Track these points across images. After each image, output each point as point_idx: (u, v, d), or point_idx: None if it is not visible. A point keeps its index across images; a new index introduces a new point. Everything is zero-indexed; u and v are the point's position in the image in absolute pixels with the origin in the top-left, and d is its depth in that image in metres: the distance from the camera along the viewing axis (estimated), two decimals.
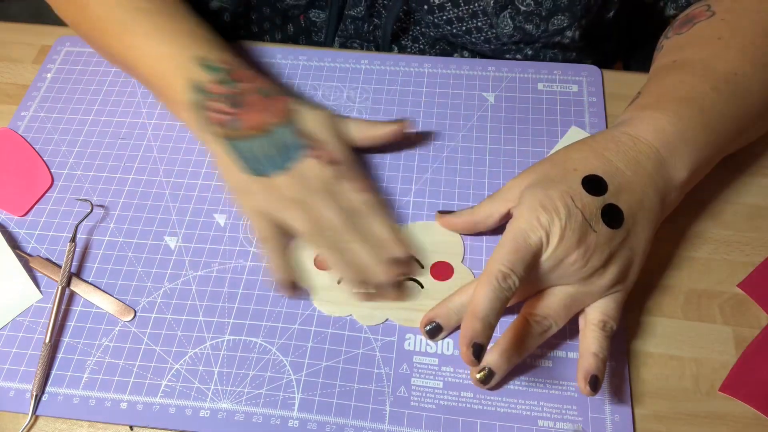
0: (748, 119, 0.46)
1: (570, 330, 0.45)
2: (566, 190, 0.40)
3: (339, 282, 0.47)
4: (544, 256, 0.39)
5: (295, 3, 0.60)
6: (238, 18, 0.61)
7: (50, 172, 0.54)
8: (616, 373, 0.43)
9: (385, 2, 0.58)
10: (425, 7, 0.55)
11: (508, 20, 0.53)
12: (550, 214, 0.39)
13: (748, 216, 0.50)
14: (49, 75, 0.60)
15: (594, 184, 0.41)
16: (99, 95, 0.58)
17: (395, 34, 0.61)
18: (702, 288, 0.47)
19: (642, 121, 0.44)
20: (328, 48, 0.61)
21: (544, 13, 0.53)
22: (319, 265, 0.48)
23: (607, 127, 0.54)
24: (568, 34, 0.54)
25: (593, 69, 0.57)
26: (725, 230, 0.49)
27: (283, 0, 0.59)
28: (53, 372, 0.45)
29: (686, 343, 0.45)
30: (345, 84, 0.58)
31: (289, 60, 0.60)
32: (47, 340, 0.45)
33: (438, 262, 0.47)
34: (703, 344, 0.45)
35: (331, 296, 0.47)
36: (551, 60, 0.58)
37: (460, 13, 0.55)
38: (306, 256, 0.48)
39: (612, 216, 0.40)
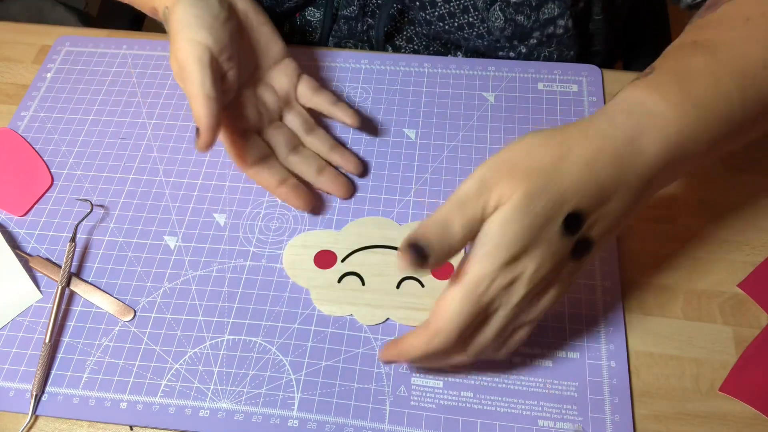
0: (763, 117, 0.40)
1: (570, 330, 0.45)
2: (545, 239, 0.35)
3: (339, 281, 0.47)
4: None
5: (294, 5, 0.60)
6: None
7: (50, 172, 0.54)
8: (616, 373, 0.43)
9: (378, 2, 0.58)
10: (417, 3, 0.56)
11: (499, 13, 0.53)
12: (526, 255, 0.36)
13: (748, 216, 0.50)
14: (49, 75, 0.60)
15: (573, 219, 0.36)
16: (99, 95, 0.58)
17: (389, 35, 0.61)
18: (702, 288, 0.47)
19: (649, 123, 0.37)
20: (328, 48, 0.61)
21: (534, 3, 0.53)
22: (319, 264, 0.48)
23: None
24: (561, 23, 0.54)
25: (593, 69, 0.57)
26: (725, 230, 0.49)
27: (282, 5, 0.59)
28: (53, 372, 0.45)
29: (686, 343, 0.45)
30: (345, 84, 0.58)
31: None
32: (47, 340, 0.45)
33: None
34: (703, 344, 0.45)
35: (331, 295, 0.47)
36: (546, 59, 0.58)
37: (451, 8, 0.55)
38: (306, 255, 0.48)
39: (577, 248, 0.37)
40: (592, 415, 0.42)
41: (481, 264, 0.35)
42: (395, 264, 0.47)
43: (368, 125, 0.55)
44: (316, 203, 0.51)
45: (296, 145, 0.52)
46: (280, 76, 0.53)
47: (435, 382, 0.43)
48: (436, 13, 0.55)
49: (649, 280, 0.47)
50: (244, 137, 0.49)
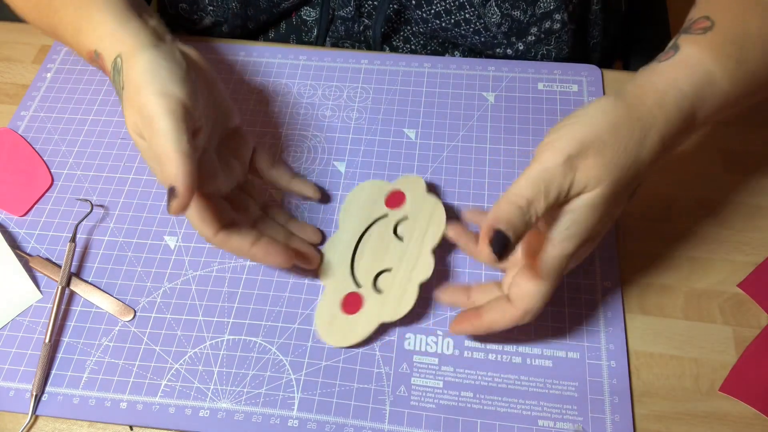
0: None
1: (570, 330, 0.45)
2: (618, 209, 0.39)
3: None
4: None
5: (290, 5, 0.60)
6: (235, 28, 0.61)
7: (50, 172, 0.54)
8: (616, 373, 0.43)
9: (374, 3, 0.58)
10: (413, 1, 0.56)
11: (495, 8, 0.53)
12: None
13: (748, 216, 0.50)
14: (49, 75, 0.60)
15: (638, 186, 0.40)
16: (99, 95, 0.58)
17: (386, 35, 0.61)
18: (702, 288, 0.47)
19: (707, 92, 0.38)
20: (328, 48, 0.61)
21: None
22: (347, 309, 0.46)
23: None
24: (557, 17, 0.54)
25: (593, 69, 0.57)
26: (725, 230, 0.49)
27: (278, 5, 0.59)
28: (53, 372, 0.45)
29: (686, 343, 0.45)
30: (345, 84, 0.58)
31: (289, 60, 0.60)
32: (47, 340, 0.45)
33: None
34: (703, 344, 0.45)
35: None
36: (544, 57, 0.58)
37: (447, 5, 0.55)
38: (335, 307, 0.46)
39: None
40: (592, 415, 0.42)
41: (565, 245, 0.37)
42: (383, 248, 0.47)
43: (328, 185, 0.55)
44: (296, 258, 0.45)
45: (264, 207, 0.49)
46: (238, 142, 0.48)
47: (435, 382, 0.43)
48: (433, 11, 0.55)
49: (649, 280, 0.47)
50: (211, 200, 0.43)
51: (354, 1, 0.57)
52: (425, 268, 0.45)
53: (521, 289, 0.39)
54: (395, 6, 0.58)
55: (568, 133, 0.36)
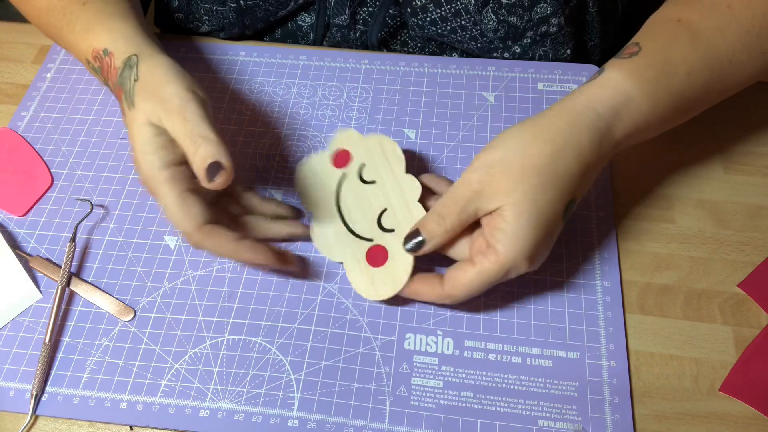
0: (714, 101, 0.47)
1: (570, 330, 0.45)
2: (554, 228, 0.42)
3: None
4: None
5: (287, 12, 0.60)
6: (232, 35, 0.61)
7: (50, 172, 0.54)
8: (616, 373, 0.43)
9: (370, 9, 0.58)
10: (408, 10, 0.56)
11: (491, 15, 0.53)
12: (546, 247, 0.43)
13: (748, 216, 0.50)
14: (49, 75, 0.60)
15: (570, 204, 0.42)
16: (99, 95, 0.58)
17: (383, 40, 0.60)
18: (702, 288, 0.47)
19: (626, 113, 0.42)
20: (328, 48, 0.61)
21: (526, 3, 0.53)
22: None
23: None
24: (554, 21, 0.54)
25: (593, 69, 0.57)
26: (725, 230, 0.49)
27: (275, 14, 0.59)
28: (53, 372, 0.45)
29: (686, 343, 0.45)
30: (345, 84, 0.58)
31: (289, 60, 0.60)
32: (47, 340, 0.45)
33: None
34: (703, 344, 0.45)
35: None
36: (541, 58, 0.58)
37: (443, 12, 0.55)
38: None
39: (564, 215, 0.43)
40: (592, 415, 0.42)
41: (501, 256, 0.40)
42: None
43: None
44: (277, 259, 0.44)
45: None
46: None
47: (435, 382, 0.43)
48: (428, 18, 0.55)
49: (649, 280, 0.47)
50: (195, 194, 0.43)
51: (348, 9, 0.57)
52: (411, 185, 0.46)
53: (455, 279, 0.41)
54: (391, 11, 0.58)
55: (480, 157, 0.42)
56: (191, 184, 0.43)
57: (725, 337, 0.45)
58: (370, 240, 0.46)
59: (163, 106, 0.42)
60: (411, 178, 0.46)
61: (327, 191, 0.49)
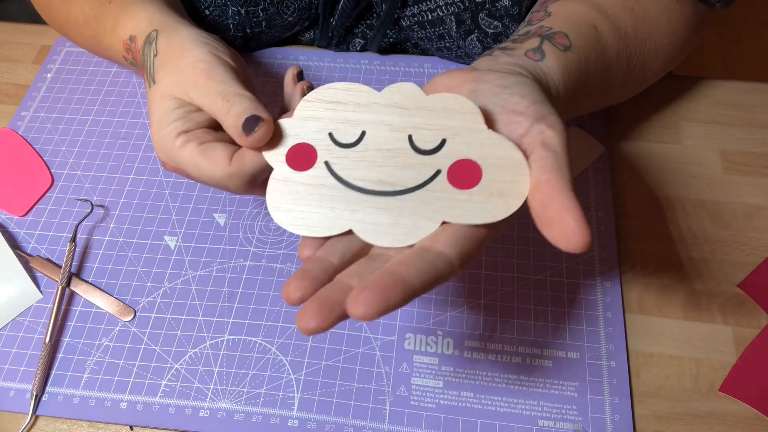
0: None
1: (570, 330, 0.45)
2: None
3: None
4: None
5: (290, 34, 0.60)
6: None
7: (50, 172, 0.54)
8: (616, 373, 0.43)
9: (368, 22, 0.58)
10: (396, 27, 0.57)
11: (476, 42, 0.54)
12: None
13: (748, 216, 0.50)
14: (49, 75, 0.60)
15: None
16: (99, 95, 0.58)
17: (383, 50, 0.61)
18: (702, 288, 0.47)
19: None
20: (328, 48, 0.61)
21: (512, 32, 0.52)
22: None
23: (605, 125, 0.54)
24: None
25: None
26: (725, 230, 0.49)
27: (279, 36, 0.60)
28: (53, 372, 0.45)
29: (686, 343, 0.45)
30: None
31: (289, 60, 0.60)
32: (47, 340, 0.45)
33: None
34: (703, 344, 0.45)
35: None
36: None
37: (428, 34, 0.55)
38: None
39: None
40: (592, 415, 0.42)
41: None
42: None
43: None
44: None
45: None
46: None
47: (435, 382, 0.44)
48: (416, 36, 0.57)
49: (649, 280, 0.47)
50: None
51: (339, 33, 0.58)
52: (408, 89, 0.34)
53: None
54: (389, 32, 0.58)
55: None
56: (210, 137, 0.38)
57: (725, 337, 0.45)
58: (427, 181, 0.32)
59: (186, 74, 0.38)
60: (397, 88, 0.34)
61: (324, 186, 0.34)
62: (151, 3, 0.45)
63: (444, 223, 0.31)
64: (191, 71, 0.38)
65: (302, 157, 0.34)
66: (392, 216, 0.32)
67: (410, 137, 0.33)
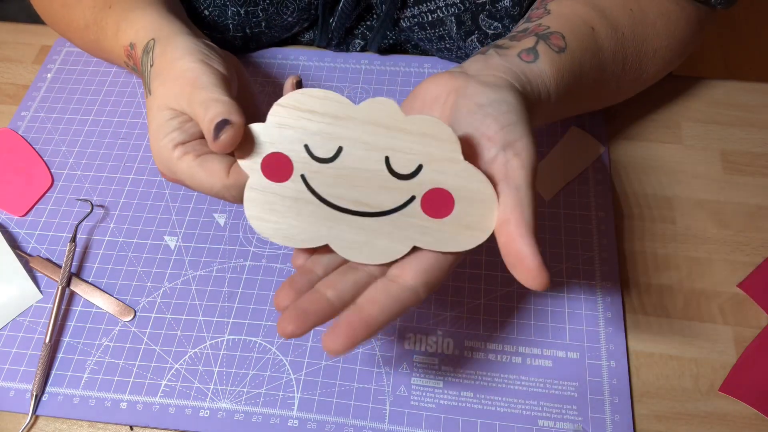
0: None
1: (570, 330, 0.45)
2: None
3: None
4: None
5: (290, 35, 0.60)
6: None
7: (50, 172, 0.54)
8: (616, 373, 0.43)
9: (368, 23, 0.58)
10: (396, 28, 0.57)
11: (477, 43, 0.54)
12: None
13: (748, 216, 0.50)
14: (49, 75, 0.60)
15: None
16: (99, 95, 0.58)
17: (382, 51, 0.61)
18: (702, 288, 0.47)
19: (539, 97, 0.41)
20: (328, 48, 0.61)
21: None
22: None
23: (605, 125, 0.54)
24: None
25: None
26: (725, 230, 0.49)
27: (279, 38, 0.60)
28: (53, 372, 0.45)
29: (686, 343, 0.45)
30: (345, 84, 0.58)
31: (289, 60, 0.60)
32: (47, 340, 0.45)
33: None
34: (703, 344, 0.45)
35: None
36: None
37: (428, 35, 0.55)
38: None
39: None
40: (592, 415, 0.42)
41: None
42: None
43: None
44: None
45: None
46: None
47: (435, 382, 0.43)
48: (416, 37, 0.57)
49: (649, 280, 0.47)
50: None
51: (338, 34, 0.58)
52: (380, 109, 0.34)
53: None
54: (389, 33, 0.58)
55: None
56: (207, 149, 0.38)
57: (725, 337, 0.45)
58: (401, 206, 0.34)
59: (175, 83, 0.39)
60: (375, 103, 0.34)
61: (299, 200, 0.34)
62: (150, 9, 0.45)
63: (415, 247, 0.33)
64: (179, 80, 0.39)
65: (278, 167, 0.34)
66: (367, 236, 0.34)
67: (387, 159, 0.34)
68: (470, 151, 0.34)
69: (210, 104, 0.37)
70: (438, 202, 0.33)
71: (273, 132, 0.34)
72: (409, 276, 0.33)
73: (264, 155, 0.34)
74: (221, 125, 0.35)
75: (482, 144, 0.34)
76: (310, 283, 0.34)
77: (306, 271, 0.35)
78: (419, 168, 0.33)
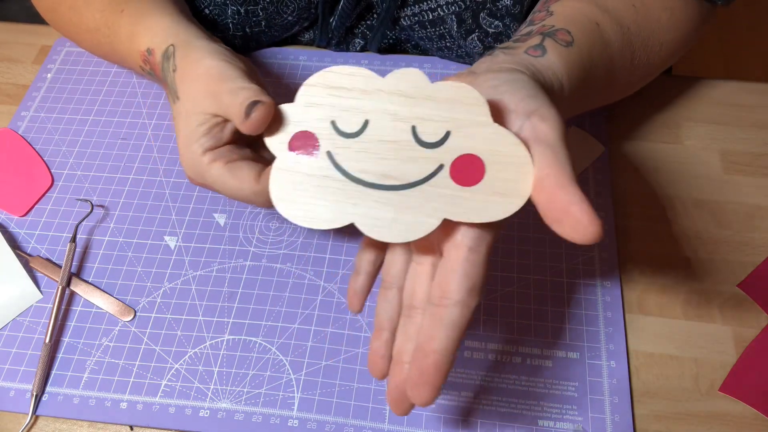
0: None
1: (570, 330, 0.45)
2: None
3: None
4: None
5: (290, 34, 0.60)
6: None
7: (50, 172, 0.54)
8: (616, 373, 0.43)
9: (368, 23, 0.58)
10: (397, 27, 0.57)
11: (477, 42, 0.54)
12: None
13: (748, 216, 0.50)
14: (49, 75, 0.60)
15: None
16: (99, 95, 0.58)
17: (382, 50, 0.61)
18: (702, 288, 0.47)
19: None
20: (328, 48, 0.61)
21: (513, 32, 0.52)
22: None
23: (605, 125, 0.54)
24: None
25: None
26: (725, 230, 0.49)
27: (279, 37, 0.59)
28: (53, 372, 0.45)
29: (686, 343, 0.45)
30: None
31: (289, 60, 0.60)
32: (47, 340, 0.45)
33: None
34: (703, 344, 0.45)
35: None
36: None
37: (428, 34, 0.55)
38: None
39: None
40: (592, 415, 0.42)
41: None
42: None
43: None
44: None
45: None
46: None
47: None
48: (416, 35, 0.57)
49: (649, 280, 0.47)
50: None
51: (344, 27, 0.58)
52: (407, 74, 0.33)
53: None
54: (389, 33, 0.58)
55: None
56: (239, 155, 0.40)
57: (725, 337, 0.45)
58: (429, 176, 0.32)
59: (201, 82, 0.39)
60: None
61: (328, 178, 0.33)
62: (165, 14, 0.46)
63: (445, 220, 0.31)
64: (205, 78, 0.39)
65: (304, 145, 0.33)
66: (394, 211, 0.31)
67: (414, 128, 0.32)
68: (498, 121, 0.32)
69: (238, 91, 0.37)
70: (468, 169, 0.31)
71: (300, 111, 0.34)
72: (452, 289, 0.30)
73: (291, 134, 0.34)
74: (252, 105, 0.35)
75: (505, 117, 0.33)
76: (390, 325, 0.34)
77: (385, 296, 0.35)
78: (447, 135, 0.32)
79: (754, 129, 0.54)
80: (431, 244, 0.34)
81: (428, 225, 0.31)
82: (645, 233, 0.49)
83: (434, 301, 0.31)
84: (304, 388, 0.44)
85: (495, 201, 0.31)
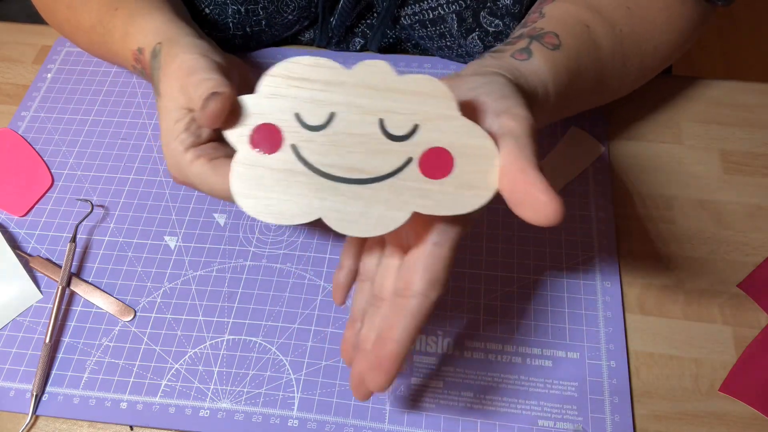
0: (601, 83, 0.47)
1: (570, 330, 0.45)
2: None
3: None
4: None
5: (291, 33, 0.60)
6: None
7: (50, 172, 0.54)
8: (616, 373, 0.43)
9: (368, 22, 0.58)
10: (397, 26, 0.57)
11: (477, 41, 0.54)
12: None
13: (748, 216, 0.50)
14: (49, 75, 0.60)
15: None
16: (99, 95, 0.58)
17: (382, 50, 0.61)
18: (702, 288, 0.47)
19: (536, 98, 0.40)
20: (328, 48, 0.61)
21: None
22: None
23: (605, 125, 0.54)
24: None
25: None
26: (725, 230, 0.49)
27: (280, 36, 0.60)
28: (53, 372, 0.45)
29: (686, 343, 0.45)
30: None
31: None
32: (47, 340, 0.45)
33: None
34: (703, 344, 0.45)
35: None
36: None
37: (428, 33, 0.55)
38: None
39: None
40: (592, 415, 0.42)
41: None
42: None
43: None
44: None
45: None
46: None
47: (435, 382, 0.44)
48: (416, 34, 0.57)
49: (649, 280, 0.47)
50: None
51: (338, 33, 0.58)
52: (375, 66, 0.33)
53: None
54: (389, 32, 0.58)
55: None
56: (223, 153, 0.39)
57: (725, 337, 0.45)
58: (398, 170, 0.32)
59: (175, 77, 0.39)
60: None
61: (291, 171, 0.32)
62: (157, 13, 0.46)
63: (415, 213, 0.31)
64: (178, 73, 0.39)
65: (267, 139, 0.32)
66: (362, 205, 0.31)
67: (381, 121, 0.32)
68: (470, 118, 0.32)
69: (201, 83, 0.37)
70: (436, 162, 0.31)
71: (263, 102, 0.33)
72: (414, 281, 0.31)
73: (253, 127, 0.33)
74: (210, 97, 0.34)
75: (479, 117, 0.33)
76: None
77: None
78: (415, 128, 0.32)
79: (754, 129, 0.54)
80: (401, 237, 0.34)
81: (398, 219, 0.31)
82: (645, 233, 0.49)
83: (398, 292, 0.32)
84: (304, 388, 0.44)
85: (464, 193, 0.31)
